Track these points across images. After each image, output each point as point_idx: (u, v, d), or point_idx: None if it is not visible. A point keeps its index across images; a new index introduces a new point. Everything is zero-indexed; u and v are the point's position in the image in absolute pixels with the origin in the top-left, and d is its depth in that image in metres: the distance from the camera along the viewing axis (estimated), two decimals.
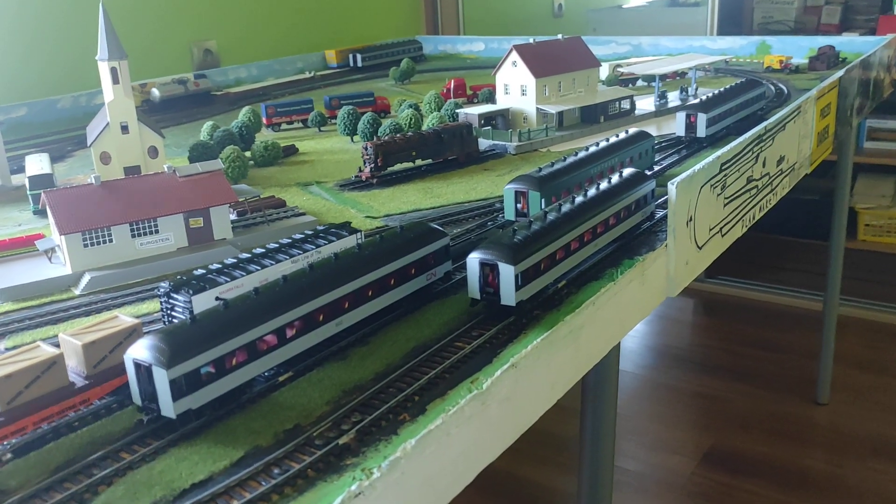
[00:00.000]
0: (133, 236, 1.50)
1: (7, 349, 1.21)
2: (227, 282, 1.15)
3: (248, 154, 2.28)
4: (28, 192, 1.93)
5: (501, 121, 2.46)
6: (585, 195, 1.40)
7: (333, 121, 2.73)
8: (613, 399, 1.59)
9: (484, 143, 2.31)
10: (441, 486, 0.97)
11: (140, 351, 0.94)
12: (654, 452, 3.51)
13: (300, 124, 2.85)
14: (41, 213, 1.90)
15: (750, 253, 5.18)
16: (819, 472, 3.31)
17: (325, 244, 1.31)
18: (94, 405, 1.01)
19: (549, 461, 3.45)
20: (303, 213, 1.78)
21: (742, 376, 4.06)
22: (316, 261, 1.18)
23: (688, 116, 2.15)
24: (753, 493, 3.21)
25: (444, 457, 0.96)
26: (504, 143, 2.31)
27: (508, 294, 1.18)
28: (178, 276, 1.18)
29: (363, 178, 2.05)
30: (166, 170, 1.60)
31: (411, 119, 2.43)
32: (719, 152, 1.61)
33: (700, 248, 1.59)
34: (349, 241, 1.34)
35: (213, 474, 0.88)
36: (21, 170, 2.21)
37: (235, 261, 1.22)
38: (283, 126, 2.84)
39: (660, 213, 1.62)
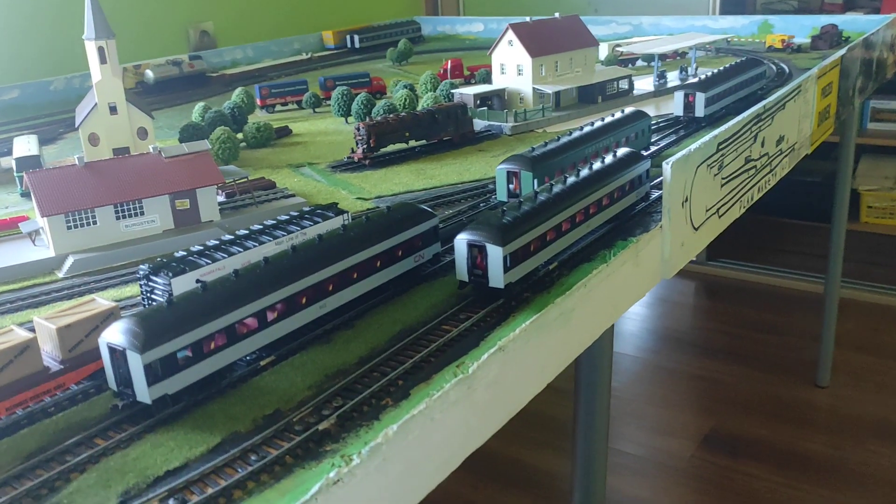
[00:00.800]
0: (118, 218, 1.48)
1: None
2: (207, 264, 1.13)
3: (239, 136, 2.25)
4: (15, 175, 1.91)
5: (497, 101, 2.43)
6: (578, 175, 1.37)
7: (328, 102, 2.70)
8: (607, 382, 1.57)
9: (479, 124, 2.27)
10: (425, 472, 0.94)
11: (114, 335, 0.91)
12: (654, 435, 3.49)
13: (294, 105, 2.81)
14: (28, 195, 1.87)
15: (751, 235, 5.15)
16: (819, 455, 3.29)
17: (311, 225, 1.28)
18: (70, 390, 0.99)
19: (546, 444, 3.44)
20: (292, 195, 1.75)
21: (742, 359, 4.04)
22: (300, 242, 1.16)
23: (686, 96, 2.11)
24: (753, 476, 3.19)
25: (427, 442, 0.94)
26: (499, 123, 2.27)
27: (497, 276, 1.16)
28: (159, 259, 1.15)
29: (355, 159, 2.02)
30: (152, 150, 1.57)
31: (406, 99, 2.39)
32: (716, 132, 1.58)
33: (696, 230, 1.56)
34: (335, 223, 1.31)
35: (188, 461, 0.86)
36: (10, 152, 2.18)
37: (217, 243, 1.20)
38: (278, 107, 2.80)
39: (655, 194, 1.59)
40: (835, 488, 3.10)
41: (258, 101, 2.76)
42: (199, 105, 2.43)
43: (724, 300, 4.73)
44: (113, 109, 1.90)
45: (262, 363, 1.05)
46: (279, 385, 1.01)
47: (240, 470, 0.84)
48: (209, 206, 1.56)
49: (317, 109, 2.74)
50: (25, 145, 2.00)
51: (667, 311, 4.66)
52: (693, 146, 1.48)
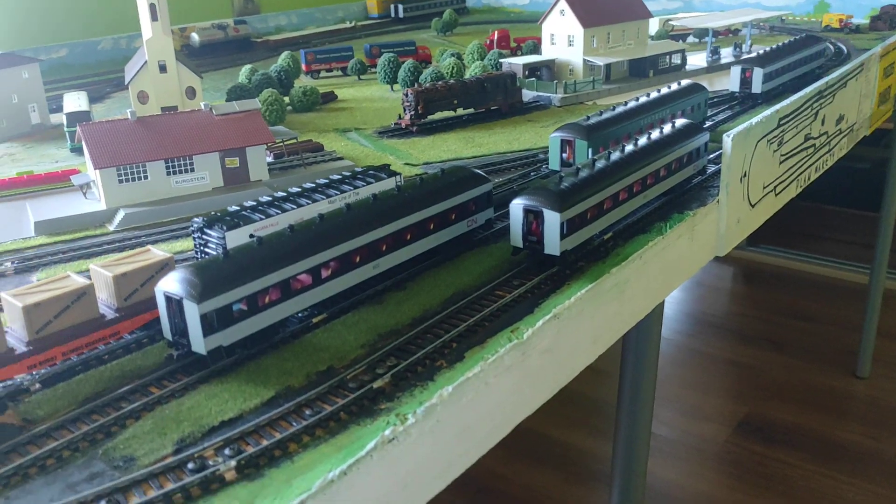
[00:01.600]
0: (168, 174, 1.47)
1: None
2: (261, 219, 1.12)
3: (286, 99, 2.24)
4: (65, 130, 1.91)
5: (546, 72, 2.39)
6: (636, 144, 1.33)
7: (373, 69, 2.68)
8: (654, 360, 1.54)
9: (528, 95, 2.24)
10: (478, 436, 0.93)
11: (171, 284, 0.91)
12: (688, 419, 3.46)
13: (339, 72, 2.80)
14: (78, 150, 1.88)
15: (792, 221, 5.05)
16: (855, 445, 3.24)
17: (363, 185, 1.27)
18: (125, 339, 0.99)
19: (581, 423, 3.42)
20: (340, 158, 1.74)
21: (780, 346, 3.97)
22: (354, 201, 1.14)
23: (743, 71, 2.05)
24: (787, 464, 3.15)
25: (481, 406, 0.92)
26: (548, 94, 2.23)
27: (553, 243, 1.13)
28: (213, 212, 1.14)
29: (403, 125, 2.00)
30: (203, 108, 1.56)
31: (454, 68, 2.36)
32: (778, 106, 1.53)
33: (753, 207, 1.52)
34: (388, 184, 1.29)
35: (243, 412, 0.86)
36: (59, 109, 2.20)
37: (270, 198, 1.19)
38: (322, 73, 2.78)
39: (712, 169, 1.55)
40: (870, 479, 3.05)
41: (303, 67, 2.74)
42: (246, 67, 2.42)
43: (764, 287, 4.65)
44: (162, 68, 1.90)
45: (315, 320, 1.04)
46: (332, 342, 1.00)
47: (294, 424, 0.83)
48: (258, 165, 1.55)
49: (362, 76, 2.72)
50: (76, 101, 2.01)
51: (704, 295, 4.60)
52: (754, 120, 1.44)
